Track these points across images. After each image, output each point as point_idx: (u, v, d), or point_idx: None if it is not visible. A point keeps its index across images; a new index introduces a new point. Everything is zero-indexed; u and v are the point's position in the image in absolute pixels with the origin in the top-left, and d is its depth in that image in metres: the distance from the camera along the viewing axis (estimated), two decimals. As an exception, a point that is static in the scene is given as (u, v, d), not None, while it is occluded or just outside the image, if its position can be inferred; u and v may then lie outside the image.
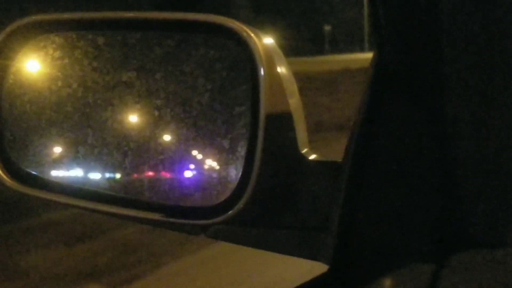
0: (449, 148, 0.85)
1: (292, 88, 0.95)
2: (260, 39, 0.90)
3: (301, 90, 0.97)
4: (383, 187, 0.91)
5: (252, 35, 0.89)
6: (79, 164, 1.07)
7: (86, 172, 1.06)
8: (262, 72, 0.88)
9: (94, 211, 1.09)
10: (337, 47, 45.85)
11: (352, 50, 39.49)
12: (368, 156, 0.90)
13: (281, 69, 0.92)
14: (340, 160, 0.94)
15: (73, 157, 1.08)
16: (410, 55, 0.84)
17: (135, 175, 1.03)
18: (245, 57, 0.90)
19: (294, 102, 0.94)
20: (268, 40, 0.94)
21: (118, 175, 1.04)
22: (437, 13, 0.76)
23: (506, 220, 0.90)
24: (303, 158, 0.95)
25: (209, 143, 0.96)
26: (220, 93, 0.96)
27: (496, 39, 0.75)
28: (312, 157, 0.96)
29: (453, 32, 0.77)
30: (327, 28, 51.27)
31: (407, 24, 0.81)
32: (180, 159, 0.98)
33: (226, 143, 0.94)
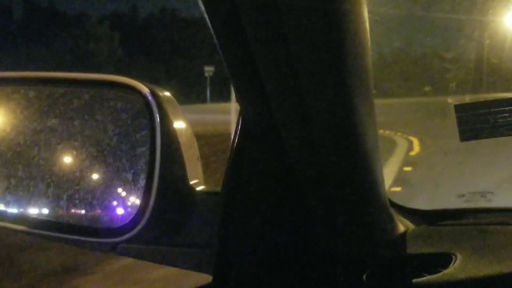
0: (293, 177, 1.01)
1: (186, 132, 1.09)
2: (156, 94, 1.04)
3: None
4: (248, 211, 1.04)
5: (148, 91, 1.04)
6: (10, 193, 1.18)
7: (16, 199, 1.18)
8: (157, 121, 1.02)
9: (22, 232, 1.21)
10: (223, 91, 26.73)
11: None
12: (236, 187, 1.03)
13: (175, 117, 1.06)
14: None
15: (6, 187, 1.19)
16: (257, 111, 0.97)
17: (57, 202, 1.14)
18: (145, 109, 1.04)
19: (186, 144, 1.07)
20: (165, 94, 1.09)
21: (42, 202, 1.15)
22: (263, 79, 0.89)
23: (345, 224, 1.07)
24: (192, 189, 1.08)
25: (116, 176, 1.09)
26: (125, 136, 1.09)
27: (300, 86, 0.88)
28: (200, 188, 1.10)
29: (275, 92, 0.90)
30: (209, 69, 35.17)
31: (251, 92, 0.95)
32: (92, 189, 1.10)
33: (129, 176, 1.08)
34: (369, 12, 0.86)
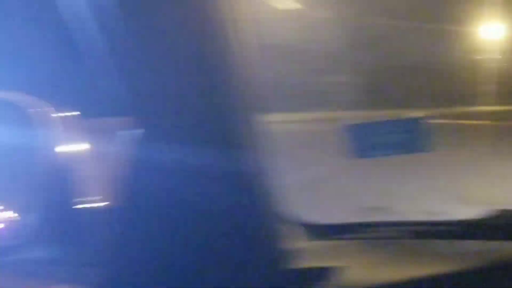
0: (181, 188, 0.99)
1: (80, 147, 1.05)
2: (35, 107, 1.01)
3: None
4: (139, 222, 1.00)
5: (29, 106, 1.00)
6: None
7: None
8: (41, 136, 0.99)
9: None
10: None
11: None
12: (123, 199, 0.98)
13: (64, 132, 1.02)
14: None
15: None
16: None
17: None
18: (28, 124, 1.00)
19: (78, 159, 1.04)
20: (50, 109, 1.04)
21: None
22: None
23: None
24: (83, 206, 1.04)
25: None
26: (12, 151, 1.02)
27: None
28: (91, 205, 1.05)
29: None
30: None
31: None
32: None
33: (14, 194, 1.02)
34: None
